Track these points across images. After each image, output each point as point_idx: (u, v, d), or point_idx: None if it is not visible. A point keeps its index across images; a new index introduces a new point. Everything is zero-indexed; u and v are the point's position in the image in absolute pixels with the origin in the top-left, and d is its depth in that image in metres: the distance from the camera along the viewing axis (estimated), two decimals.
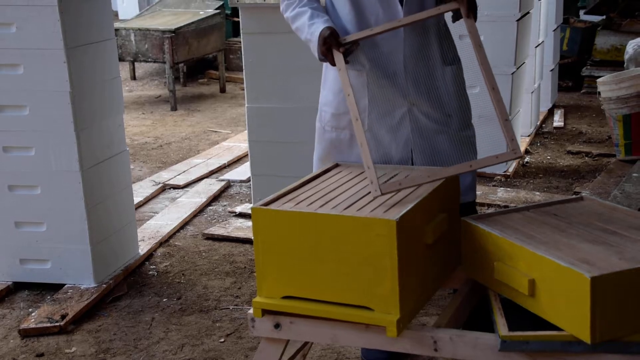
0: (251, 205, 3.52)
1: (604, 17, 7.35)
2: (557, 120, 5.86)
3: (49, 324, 2.83)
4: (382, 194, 1.81)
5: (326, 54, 2.10)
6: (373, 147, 2.20)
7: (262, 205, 1.81)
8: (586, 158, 4.92)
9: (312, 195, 1.88)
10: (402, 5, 2.14)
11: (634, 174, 4.29)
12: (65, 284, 3.12)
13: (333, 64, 2.10)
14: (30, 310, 3.01)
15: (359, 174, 2.05)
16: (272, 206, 1.81)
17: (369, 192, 1.87)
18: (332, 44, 2.08)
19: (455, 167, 1.89)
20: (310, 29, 2.14)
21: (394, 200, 1.81)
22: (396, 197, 1.83)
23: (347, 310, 1.74)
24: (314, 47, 2.14)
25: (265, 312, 1.83)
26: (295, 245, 1.76)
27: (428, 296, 1.91)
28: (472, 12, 2.04)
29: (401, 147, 2.21)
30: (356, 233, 1.69)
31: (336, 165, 2.16)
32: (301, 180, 2.00)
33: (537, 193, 4.19)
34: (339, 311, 1.74)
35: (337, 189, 1.92)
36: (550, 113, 6.10)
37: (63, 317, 2.87)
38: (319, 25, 2.12)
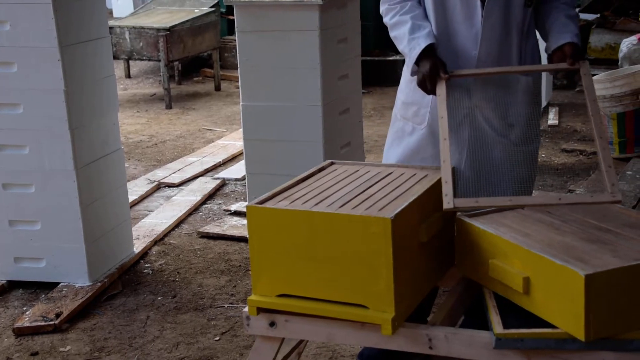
0: (246, 203, 3.52)
1: (598, 15, 7.37)
2: (552, 119, 5.88)
3: (43, 323, 2.82)
4: (455, 208, 1.79)
5: (419, 73, 2.09)
6: (430, 144, 2.20)
7: (257, 203, 1.81)
8: (581, 156, 4.93)
9: (307, 193, 1.88)
10: (482, 2, 2.08)
11: (628, 172, 4.30)
12: (59, 283, 3.12)
13: (432, 91, 2.07)
14: (24, 309, 3.01)
15: (354, 172, 2.05)
16: (267, 204, 1.81)
17: (364, 190, 1.88)
18: (439, 72, 2.06)
19: (542, 197, 1.82)
20: (410, 44, 2.11)
21: (389, 199, 1.81)
22: (391, 196, 1.83)
23: (342, 309, 1.74)
24: (409, 63, 2.13)
25: (261, 310, 1.83)
26: (291, 244, 1.76)
27: (423, 294, 1.91)
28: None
29: (458, 149, 2.17)
30: (351, 231, 1.69)
31: (331, 164, 2.16)
32: (296, 179, 2.00)
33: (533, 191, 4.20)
34: (334, 309, 1.74)
35: (332, 187, 1.92)
36: (545, 111, 6.11)
37: (57, 315, 2.87)
38: (420, 42, 2.09)
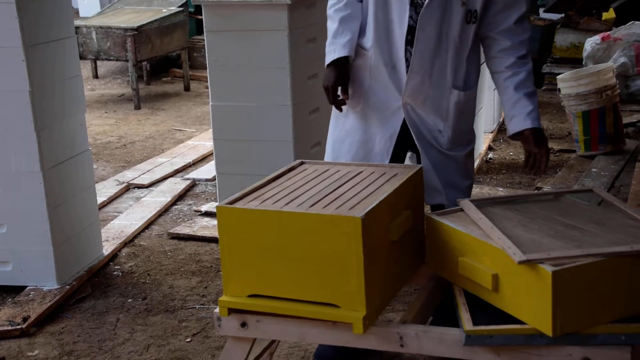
0: (216, 203, 3.50)
1: (563, 15, 7.48)
2: None
3: (10, 327, 2.78)
4: (528, 260, 1.64)
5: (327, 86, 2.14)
6: (360, 129, 2.23)
7: (227, 203, 1.81)
8: None
9: (277, 193, 1.88)
10: (417, 10, 2.08)
11: (593, 169, 4.38)
12: (26, 286, 3.07)
13: (332, 102, 2.14)
14: None
15: (324, 172, 2.06)
16: (238, 205, 1.81)
17: (334, 190, 1.88)
18: (337, 88, 2.12)
19: (613, 247, 1.68)
20: (329, 47, 2.17)
21: (359, 198, 1.82)
22: (361, 195, 1.84)
23: (313, 308, 1.74)
24: (326, 63, 2.17)
25: (232, 311, 1.83)
26: (261, 244, 1.75)
27: (394, 292, 1.92)
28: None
29: (385, 138, 2.20)
30: (322, 230, 1.69)
31: (301, 163, 2.16)
32: (266, 179, 2.00)
33: (501, 189, 4.25)
34: (306, 309, 1.75)
35: (302, 187, 1.92)
36: None
37: (25, 319, 2.82)
38: (336, 49, 2.14)
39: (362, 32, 2.18)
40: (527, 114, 2.10)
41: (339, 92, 2.16)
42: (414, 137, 2.20)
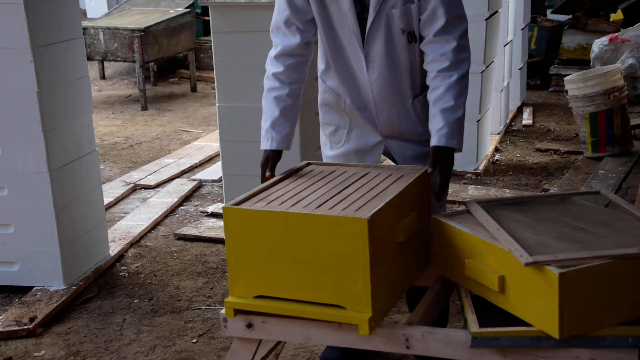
0: (223, 204, 3.51)
1: (570, 16, 7.46)
2: (526, 118, 5.94)
3: (17, 327, 2.79)
4: (535, 262, 1.64)
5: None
6: (345, 162, 2.28)
7: (233, 204, 1.81)
8: (554, 155, 4.99)
9: (283, 194, 1.88)
10: (363, 39, 2.12)
11: (601, 171, 4.37)
12: (33, 287, 3.08)
13: (262, 179, 2.15)
14: None
15: (330, 173, 2.06)
16: (244, 206, 1.81)
17: (340, 191, 1.88)
18: (266, 169, 2.14)
19: (621, 249, 1.68)
20: (266, 134, 2.17)
21: (366, 199, 1.82)
22: (367, 196, 1.84)
23: (319, 309, 1.74)
24: (260, 146, 2.19)
25: (238, 312, 1.83)
26: (267, 245, 1.76)
27: (400, 294, 1.92)
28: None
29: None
30: (328, 232, 1.69)
31: (307, 164, 2.16)
32: (272, 180, 2.00)
33: (507, 190, 4.24)
34: (312, 310, 1.75)
35: (308, 188, 1.92)
36: (519, 111, 6.18)
37: (32, 320, 2.83)
38: (274, 140, 2.15)
39: (332, 78, 2.24)
40: (436, 131, 2.08)
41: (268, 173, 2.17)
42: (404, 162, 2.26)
